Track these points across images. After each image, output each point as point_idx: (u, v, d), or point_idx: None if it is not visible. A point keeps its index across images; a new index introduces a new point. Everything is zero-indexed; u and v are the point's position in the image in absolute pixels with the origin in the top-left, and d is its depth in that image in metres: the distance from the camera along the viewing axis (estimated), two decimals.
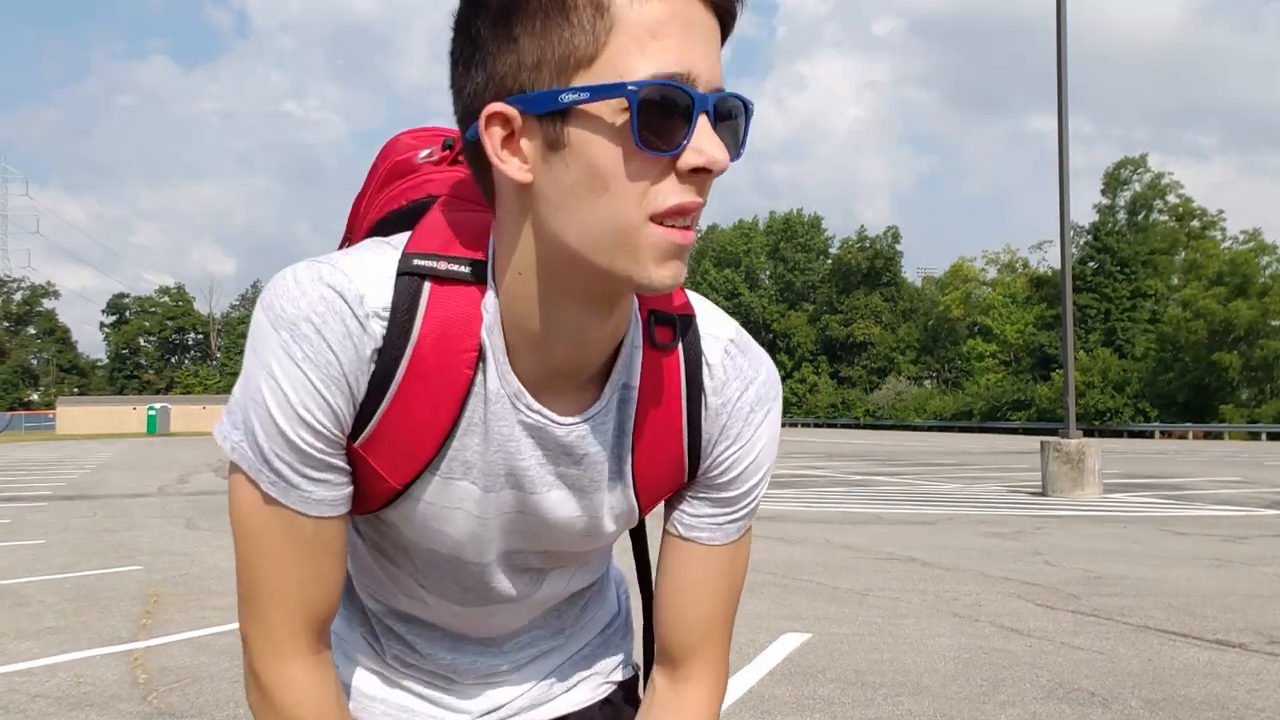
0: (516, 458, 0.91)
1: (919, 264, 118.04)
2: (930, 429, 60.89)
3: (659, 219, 0.78)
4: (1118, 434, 50.20)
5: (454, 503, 0.92)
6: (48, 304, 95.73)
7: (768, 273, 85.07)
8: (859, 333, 75.78)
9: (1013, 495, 14.77)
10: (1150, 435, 49.62)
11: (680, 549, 1.01)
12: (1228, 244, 60.80)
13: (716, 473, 0.98)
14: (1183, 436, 47.98)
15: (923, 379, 75.27)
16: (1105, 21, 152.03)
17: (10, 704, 4.41)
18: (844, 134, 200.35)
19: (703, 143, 0.77)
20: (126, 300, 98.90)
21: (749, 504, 1.01)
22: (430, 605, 1.03)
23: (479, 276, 0.86)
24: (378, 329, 0.83)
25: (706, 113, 0.77)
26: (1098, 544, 9.33)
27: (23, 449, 39.01)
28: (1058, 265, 17.31)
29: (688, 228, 0.80)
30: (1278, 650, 5.22)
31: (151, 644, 5.47)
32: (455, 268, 0.86)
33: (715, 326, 0.97)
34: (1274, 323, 49.90)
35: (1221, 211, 67.96)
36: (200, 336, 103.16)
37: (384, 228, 0.98)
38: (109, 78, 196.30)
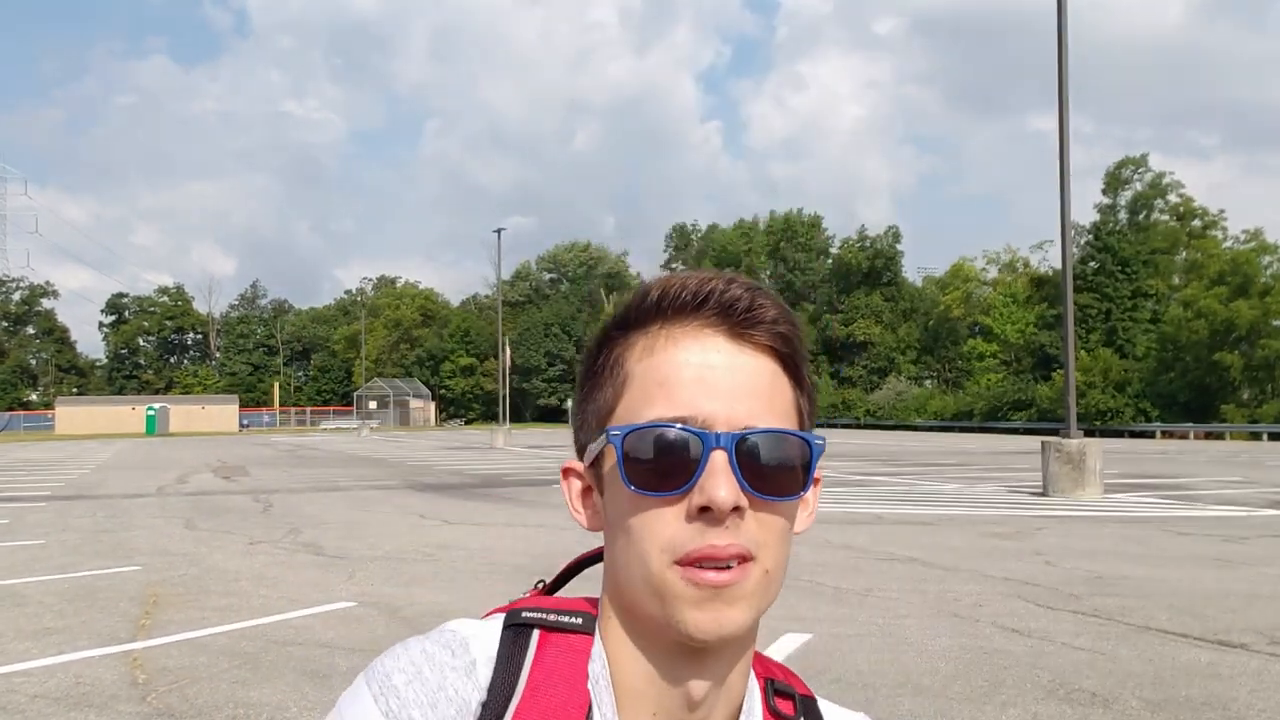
0: None
1: (919, 263, 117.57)
2: (931, 429, 60.88)
3: (682, 564, 0.75)
4: (1119, 434, 50.18)
5: None
6: (46, 304, 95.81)
7: (768, 272, 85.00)
8: (859, 332, 75.78)
9: (1013, 495, 14.76)
10: (1151, 435, 49.61)
11: None
12: (1229, 243, 60.80)
13: None
14: (1184, 436, 47.97)
15: (923, 379, 75.24)
16: (1107, 20, 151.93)
17: (9, 704, 4.40)
18: (845, 133, 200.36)
19: (707, 481, 0.74)
20: (125, 300, 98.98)
21: None
22: None
23: (588, 628, 0.83)
24: (484, 676, 0.79)
25: (724, 449, 0.75)
26: (1098, 544, 9.31)
27: (22, 449, 39.01)
28: (1058, 265, 17.30)
29: (724, 568, 0.75)
30: (1279, 651, 5.21)
31: (150, 644, 5.46)
32: (564, 619, 0.83)
33: (843, 712, 0.90)
34: (1275, 322, 49.81)
35: (1223, 211, 67.92)
36: (199, 336, 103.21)
37: None
38: (108, 77, 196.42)
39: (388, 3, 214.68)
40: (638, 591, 0.77)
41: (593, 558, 0.91)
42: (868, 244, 78.75)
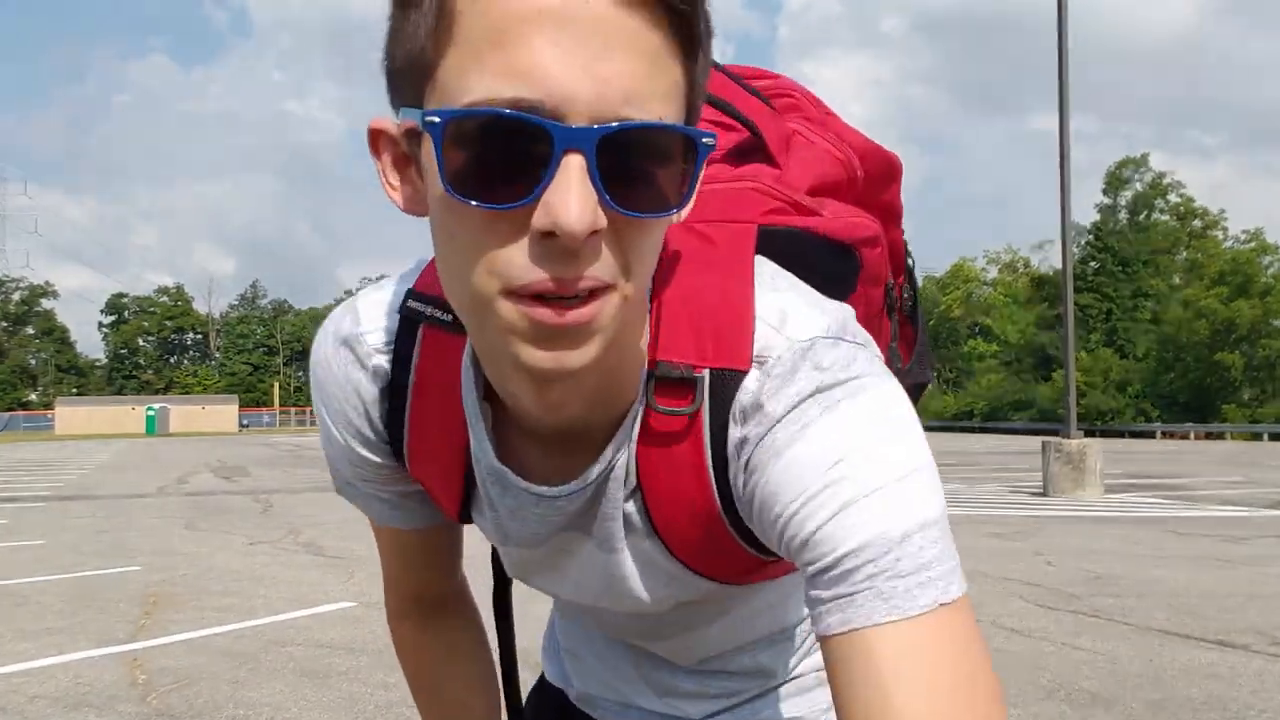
0: (523, 519, 0.79)
1: (920, 264, 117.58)
2: (931, 429, 60.59)
3: (517, 296, 0.58)
4: (1119, 434, 50.14)
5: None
6: (46, 304, 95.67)
7: None
8: None
9: (1014, 495, 14.76)
10: (1152, 435, 49.56)
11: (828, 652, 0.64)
12: (1229, 243, 60.79)
13: (766, 522, 0.68)
14: (1184, 437, 47.92)
15: None
16: (1111, 18, 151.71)
17: (9, 704, 4.40)
18: None
19: (554, 196, 0.55)
20: (125, 300, 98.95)
21: (853, 565, 0.61)
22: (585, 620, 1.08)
23: (459, 327, 0.70)
24: (383, 364, 0.79)
25: (581, 152, 0.55)
26: (1099, 544, 9.31)
27: (21, 449, 39.02)
28: (1059, 265, 17.30)
29: (569, 305, 0.58)
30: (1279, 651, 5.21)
31: (150, 644, 5.46)
32: (440, 315, 0.75)
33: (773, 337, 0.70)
34: (1276, 322, 49.85)
35: (1223, 211, 68.03)
36: (199, 336, 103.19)
37: None
38: (108, 77, 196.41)
39: (388, 3, 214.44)
40: (460, 308, 0.64)
41: None
42: None
